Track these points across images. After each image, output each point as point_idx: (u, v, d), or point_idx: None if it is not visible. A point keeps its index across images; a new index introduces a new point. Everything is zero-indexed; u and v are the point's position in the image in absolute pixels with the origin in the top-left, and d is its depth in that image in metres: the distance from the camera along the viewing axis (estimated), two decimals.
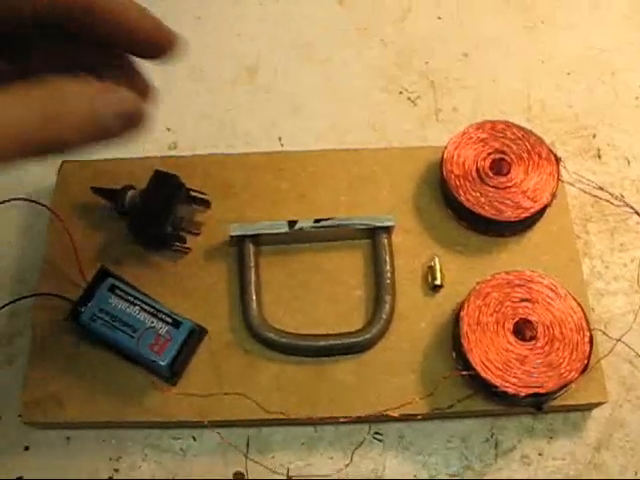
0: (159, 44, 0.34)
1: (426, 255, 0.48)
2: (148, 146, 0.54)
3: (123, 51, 0.35)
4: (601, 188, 0.51)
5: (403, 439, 0.46)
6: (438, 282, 0.47)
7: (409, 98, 0.57)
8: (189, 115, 0.56)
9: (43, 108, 0.28)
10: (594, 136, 0.55)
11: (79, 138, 0.29)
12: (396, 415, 0.44)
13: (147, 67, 0.57)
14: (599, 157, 0.54)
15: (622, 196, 0.52)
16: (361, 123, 0.56)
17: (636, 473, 0.45)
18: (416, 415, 0.44)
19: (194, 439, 0.46)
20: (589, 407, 0.46)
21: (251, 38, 0.60)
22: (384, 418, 0.44)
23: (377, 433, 0.46)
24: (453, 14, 0.61)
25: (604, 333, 0.46)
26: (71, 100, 0.29)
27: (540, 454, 0.45)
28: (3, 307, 0.47)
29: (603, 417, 0.46)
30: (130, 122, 0.30)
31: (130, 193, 0.48)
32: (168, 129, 0.55)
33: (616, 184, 0.53)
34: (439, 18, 0.60)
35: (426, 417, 0.44)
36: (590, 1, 0.61)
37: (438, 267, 0.47)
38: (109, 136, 0.30)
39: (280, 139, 0.55)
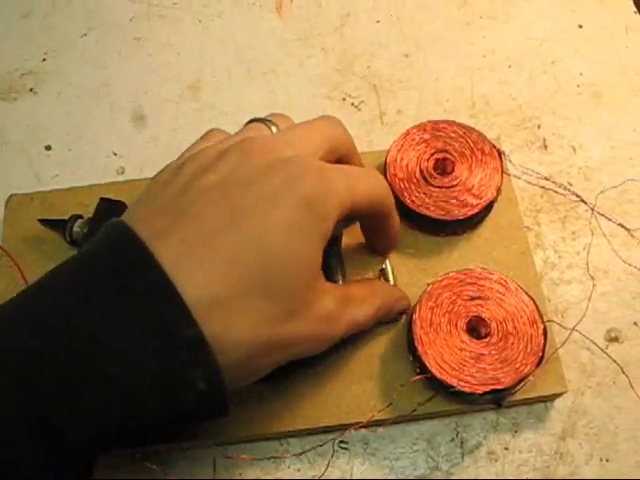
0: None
1: (377, 261, 0.48)
2: (96, 173, 0.54)
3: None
4: (547, 178, 0.52)
5: (368, 446, 0.46)
6: (391, 283, 0.47)
7: (353, 104, 0.57)
8: (135, 138, 0.56)
9: (376, 307, 0.43)
10: (539, 127, 0.56)
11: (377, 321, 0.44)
12: (361, 427, 0.44)
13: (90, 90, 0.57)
14: (545, 147, 0.55)
15: (570, 184, 0.53)
16: None
17: (601, 459, 0.45)
18: (381, 422, 0.44)
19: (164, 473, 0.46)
20: (551, 398, 0.46)
21: (192, 56, 0.60)
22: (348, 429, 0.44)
23: (342, 442, 0.46)
24: (391, 16, 0.61)
25: (559, 324, 0.46)
26: (384, 301, 0.44)
27: (506, 448, 0.45)
28: None
29: (566, 406, 0.46)
30: (396, 316, 0.46)
31: (78, 222, 0.48)
32: (115, 154, 0.55)
33: (564, 173, 0.54)
34: (377, 22, 0.61)
35: (390, 423, 0.45)
36: None
37: (390, 269, 0.47)
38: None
39: None
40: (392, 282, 0.47)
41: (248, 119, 0.42)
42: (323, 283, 0.39)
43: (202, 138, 0.43)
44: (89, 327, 0.32)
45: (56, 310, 0.32)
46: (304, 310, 0.37)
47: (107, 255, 0.34)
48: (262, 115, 0.43)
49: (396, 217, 0.44)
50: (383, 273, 0.47)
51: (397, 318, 0.47)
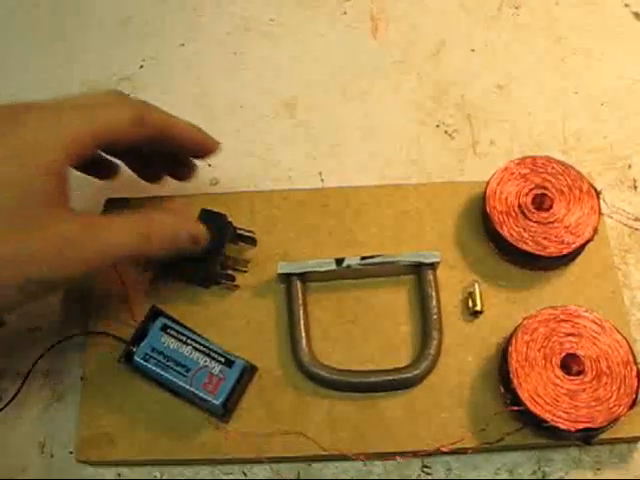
0: (205, 149, 0.50)
1: (466, 284, 0.49)
2: (191, 183, 0.55)
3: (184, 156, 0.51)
4: (637, 219, 0.52)
5: (451, 472, 0.46)
6: (478, 308, 0.48)
7: (446, 132, 0.58)
8: (230, 151, 0.57)
9: (140, 233, 0.43)
10: (629, 167, 0.56)
11: (162, 250, 0.44)
12: (447, 450, 0.44)
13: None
14: (635, 188, 0.55)
15: None
16: (399, 157, 0.56)
17: None
18: (466, 449, 0.45)
19: (244, 474, 0.46)
20: (635, 440, 0.46)
21: (288, 74, 0.61)
22: (434, 452, 0.45)
23: (425, 467, 0.46)
24: (486, 46, 0.61)
25: None
26: (160, 227, 0.44)
27: None
28: (54, 345, 0.48)
29: None
30: (195, 240, 0.46)
31: None
32: (209, 165, 0.56)
33: None
34: (472, 50, 0.61)
35: (475, 451, 0.45)
36: (621, 32, 0.62)
37: (478, 293, 0.48)
38: (180, 250, 0.45)
39: (320, 174, 0.56)
40: (479, 305, 0.48)
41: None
42: (64, 212, 0.41)
43: None
44: None
45: None
46: (37, 231, 0.39)
47: None
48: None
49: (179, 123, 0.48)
50: (471, 296, 0.48)
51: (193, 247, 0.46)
